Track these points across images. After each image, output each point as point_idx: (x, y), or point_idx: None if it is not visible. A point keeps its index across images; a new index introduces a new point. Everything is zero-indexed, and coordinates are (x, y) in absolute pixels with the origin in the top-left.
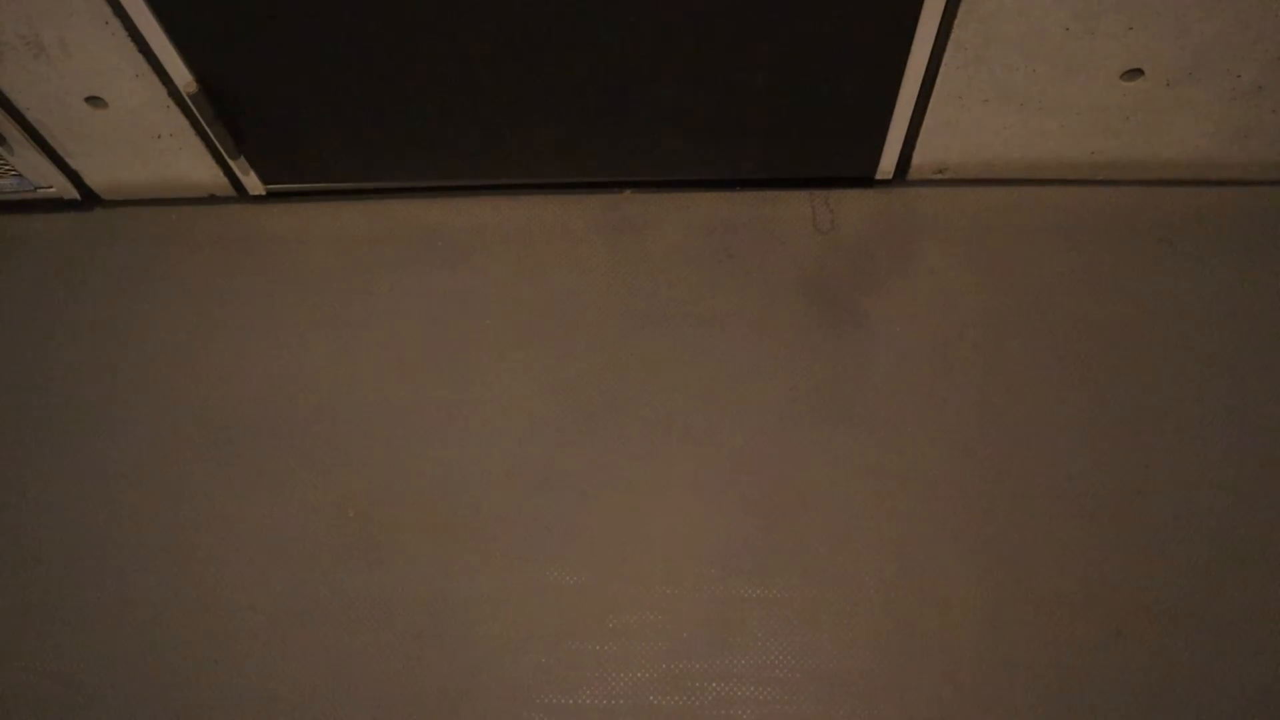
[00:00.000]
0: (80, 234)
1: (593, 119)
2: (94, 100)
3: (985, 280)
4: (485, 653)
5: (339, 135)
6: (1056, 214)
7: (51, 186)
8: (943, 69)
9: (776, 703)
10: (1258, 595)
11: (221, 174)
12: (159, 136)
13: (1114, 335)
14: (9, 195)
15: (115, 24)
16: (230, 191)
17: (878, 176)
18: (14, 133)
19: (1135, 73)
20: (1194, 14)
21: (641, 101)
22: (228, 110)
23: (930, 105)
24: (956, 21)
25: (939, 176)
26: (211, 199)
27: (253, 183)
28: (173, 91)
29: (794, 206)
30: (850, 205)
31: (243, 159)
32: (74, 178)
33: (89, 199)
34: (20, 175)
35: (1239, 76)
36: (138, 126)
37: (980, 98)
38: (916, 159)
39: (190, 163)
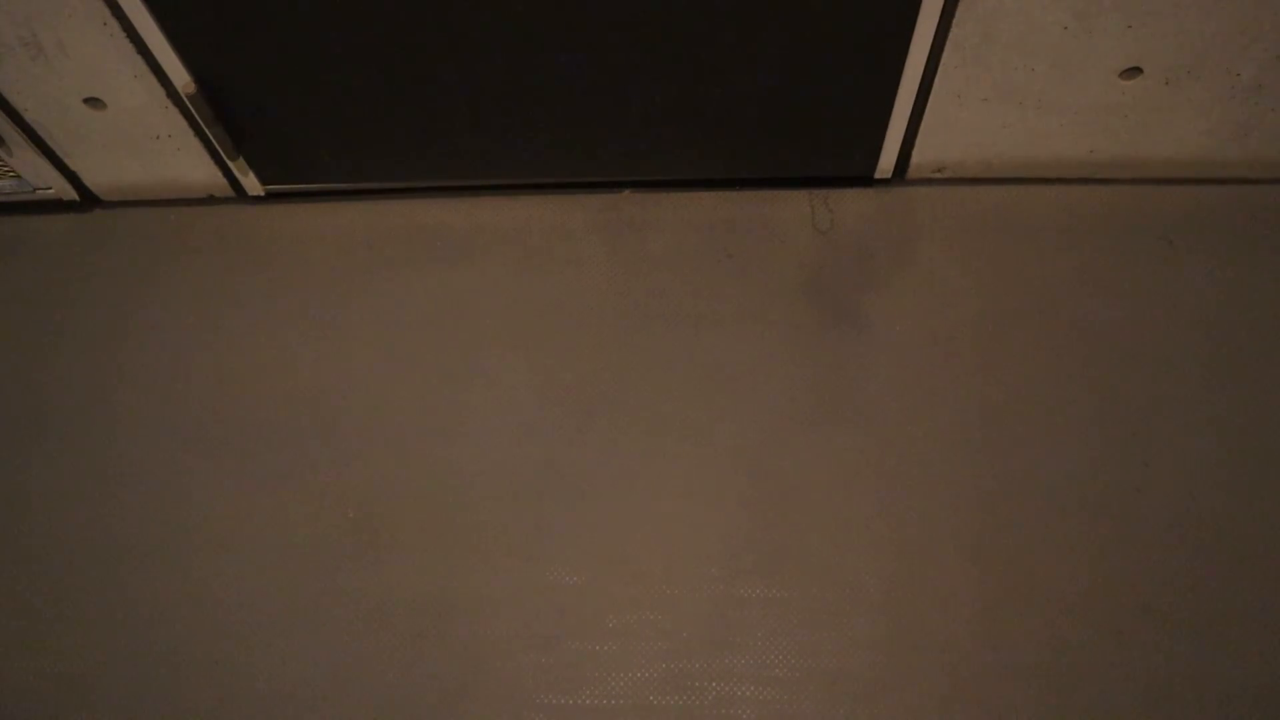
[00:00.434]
0: (79, 235)
1: (592, 119)
2: (93, 101)
3: (985, 279)
4: (485, 653)
5: (338, 136)
6: (1056, 213)
7: (50, 188)
8: (941, 68)
9: (776, 702)
10: (1258, 595)
11: (220, 175)
12: (158, 137)
13: (1113, 335)
14: (8, 196)
15: (114, 25)
16: (229, 192)
17: (877, 176)
18: (13, 134)
19: (1134, 71)
20: (1193, 13)
21: (641, 101)
22: (226, 111)
23: (929, 104)
24: (955, 21)
25: (938, 176)
26: (210, 200)
27: (251, 183)
28: (171, 92)
29: (793, 206)
30: (850, 205)
31: (241, 160)
32: (73, 179)
33: (88, 200)
34: (19, 176)
35: (1238, 75)
36: (136, 127)
37: (979, 97)
38: (915, 158)
39: (189, 164)
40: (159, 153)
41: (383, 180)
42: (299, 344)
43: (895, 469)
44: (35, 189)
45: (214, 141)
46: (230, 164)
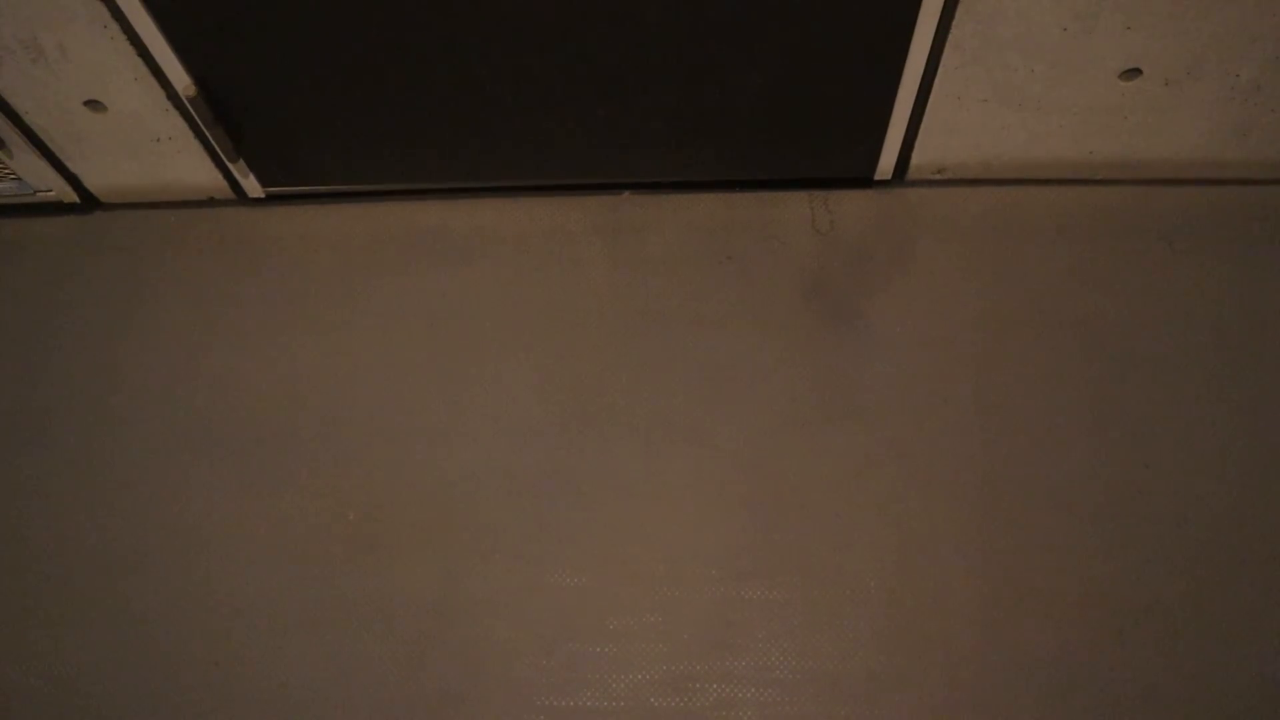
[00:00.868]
0: (79, 237)
1: (592, 120)
2: (93, 104)
3: (984, 280)
4: (486, 654)
5: (338, 138)
6: (1055, 214)
7: (51, 190)
8: (941, 69)
9: (777, 704)
10: (1258, 595)
11: (220, 177)
12: (158, 140)
13: (1113, 335)
14: (8, 199)
15: (114, 28)
16: (229, 194)
17: (877, 177)
18: (13, 136)
19: (1134, 72)
20: (1192, 13)
21: (641, 102)
22: (226, 113)
23: (929, 106)
24: (954, 22)
25: (938, 177)
26: (211, 202)
27: (252, 185)
28: (171, 95)
29: (793, 207)
30: (849, 206)
31: (242, 162)
32: (73, 181)
33: (88, 202)
34: (19, 179)
35: (1237, 75)
36: (137, 130)
37: (979, 98)
38: (915, 159)
39: (189, 166)
40: (159, 155)
41: (383, 182)
42: (300, 346)
43: (895, 469)
44: (36, 191)
45: (214, 144)
46: (230, 166)
